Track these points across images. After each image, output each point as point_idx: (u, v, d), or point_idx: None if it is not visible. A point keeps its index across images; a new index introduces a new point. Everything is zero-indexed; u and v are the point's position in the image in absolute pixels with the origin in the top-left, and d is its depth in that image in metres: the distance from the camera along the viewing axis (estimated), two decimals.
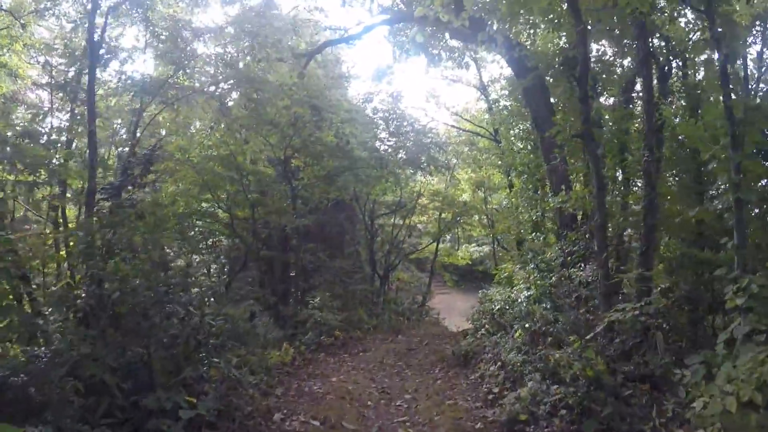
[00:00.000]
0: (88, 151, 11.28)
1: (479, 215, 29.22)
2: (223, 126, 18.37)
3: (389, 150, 23.76)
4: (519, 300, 11.18)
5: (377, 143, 23.51)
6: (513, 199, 25.10)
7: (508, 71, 24.30)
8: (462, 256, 34.70)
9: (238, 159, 17.48)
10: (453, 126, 32.53)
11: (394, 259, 26.39)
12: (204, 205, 18.92)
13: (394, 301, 23.10)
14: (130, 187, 12.67)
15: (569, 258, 12.62)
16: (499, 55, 21.49)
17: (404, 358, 14.29)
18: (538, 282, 11.38)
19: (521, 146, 24.61)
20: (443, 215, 28.21)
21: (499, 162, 25.96)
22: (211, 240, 19.56)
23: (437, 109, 33.06)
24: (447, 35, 21.11)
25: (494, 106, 27.36)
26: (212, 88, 17.11)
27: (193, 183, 17.58)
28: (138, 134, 15.78)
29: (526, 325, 10.08)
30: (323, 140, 18.69)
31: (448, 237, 35.49)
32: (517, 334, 10.35)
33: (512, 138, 25.81)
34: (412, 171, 26.37)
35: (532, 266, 12.57)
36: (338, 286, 18.75)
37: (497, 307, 11.67)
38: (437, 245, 29.15)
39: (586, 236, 12.83)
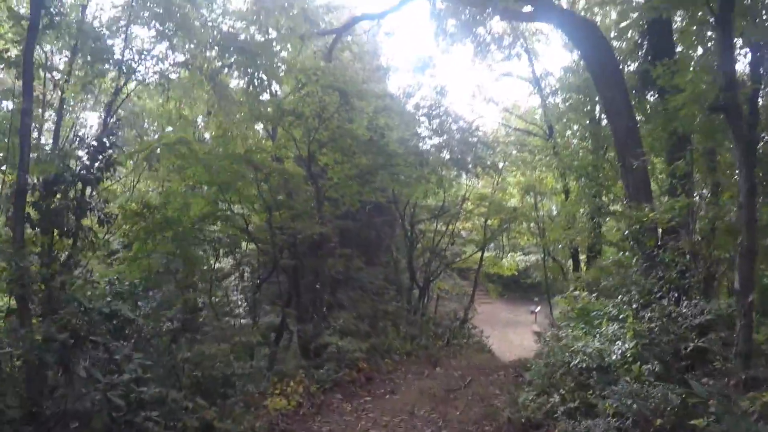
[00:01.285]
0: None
1: (528, 222, 25.23)
2: (221, 112, 14.85)
3: (431, 149, 20.06)
4: (612, 356, 7.28)
5: (419, 142, 19.86)
6: (570, 206, 21.13)
7: (565, 60, 20.47)
8: (508, 266, 30.64)
9: (256, 155, 14.14)
10: (502, 124, 28.46)
11: (435, 269, 22.65)
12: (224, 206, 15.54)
13: (434, 321, 19.28)
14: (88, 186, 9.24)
15: (664, 287, 8.79)
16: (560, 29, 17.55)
17: (441, 405, 10.62)
18: (635, 327, 7.50)
19: (582, 145, 20.74)
20: (489, 222, 24.41)
21: (554, 164, 21.96)
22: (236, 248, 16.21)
23: (485, 104, 29.38)
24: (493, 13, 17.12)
25: (550, 99, 23.36)
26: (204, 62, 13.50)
27: (207, 182, 14.33)
28: (111, 120, 12.35)
29: (629, 403, 6.19)
30: (354, 133, 15.12)
31: (492, 245, 31.60)
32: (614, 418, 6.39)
33: (570, 136, 21.90)
34: (456, 173, 22.64)
35: (624, 298, 8.73)
36: (367, 303, 15.01)
37: (578, 362, 7.73)
38: (482, 254, 25.27)
39: (681, 257, 9.06)
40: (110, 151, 9.40)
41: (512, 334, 31.46)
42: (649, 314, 8.38)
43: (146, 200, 13.19)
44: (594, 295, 9.85)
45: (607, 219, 19.86)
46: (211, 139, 16.60)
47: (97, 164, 9.10)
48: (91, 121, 15.06)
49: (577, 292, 10.46)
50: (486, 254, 27.22)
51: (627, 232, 10.40)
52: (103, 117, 12.42)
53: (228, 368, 8.80)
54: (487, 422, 9.39)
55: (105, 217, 9.55)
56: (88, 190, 9.43)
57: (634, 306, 8.39)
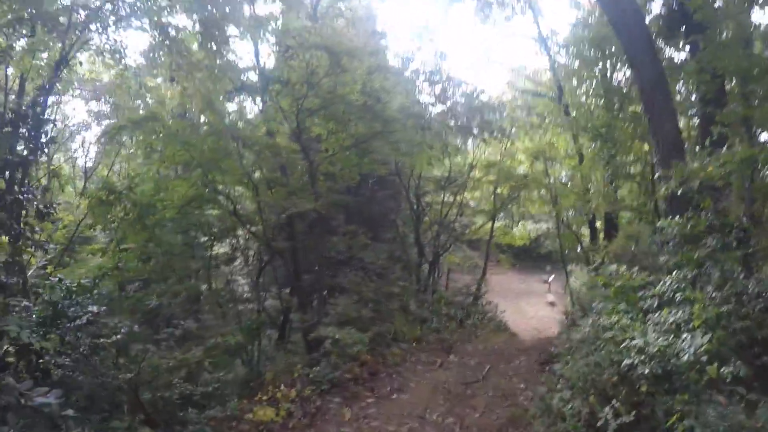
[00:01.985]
0: None
1: (539, 189, 23.17)
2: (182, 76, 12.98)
3: (434, 116, 18.07)
4: (682, 356, 5.25)
5: (420, 109, 17.86)
6: (584, 170, 19.07)
7: (572, 17, 18.45)
8: (519, 235, 28.62)
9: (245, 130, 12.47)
10: (509, 86, 26.06)
11: (444, 242, 20.75)
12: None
13: (445, 300, 17.34)
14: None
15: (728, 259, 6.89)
16: None
17: (458, 405, 8.79)
18: (706, 313, 5.53)
19: (595, 103, 18.64)
20: (499, 190, 22.39)
21: (565, 125, 19.85)
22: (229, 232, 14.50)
23: (490, 67, 27.14)
24: None
25: (558, 57, 21.22)
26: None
27: (189, 163, 12.63)
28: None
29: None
30: (347, 99, 13.20)
31: (502, 215, 29.58)
32: None
33: (582, 94, 19.77)
34: (462, 141, 20.63)
35: (684, 274, 6.74)
36: (371, 285, 13.10)
37: (633, 362, 5.59)
38: (492, 224, 23.29)
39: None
40: (48, 126, 7.51)
41: (526, 304, 29.66)
42: (712, 293, 6.46)
43: (113, 187, 11.31)
44: (634, 269, 7.85)
45: (622, 184, 17.86)
46: (192, 114, 14.70)
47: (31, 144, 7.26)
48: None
49: (611, 266, 8.51)
50: (496, 224, 25.24)
51: (671, 191, 8.35)
52: (44, 87, 10.40)
53: (191, 384, 6.96)
54: (514, 429, 7.55)
55: (45, 209, 7.67)
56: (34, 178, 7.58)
57: (708, 289, 6.41)
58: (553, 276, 33.72)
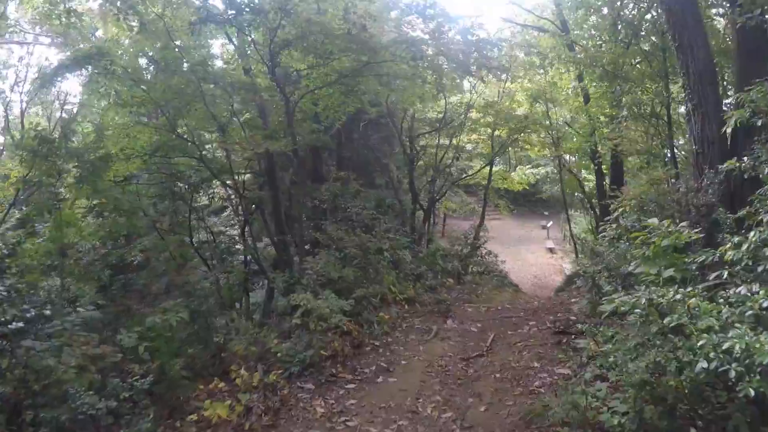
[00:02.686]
0: None
1: (540, 132, 20.97)
2: None
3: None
4: None
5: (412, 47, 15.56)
6: (590, 110, 16.92)
7: None
8: (519, 180, 26.50)
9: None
10: (508, 21, 23.33)
11: (440, 187, 18.77)
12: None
13: (441, 253, 15.24)
14: None
15: None
16: None
17: (458, 390, 7.03)
18: None
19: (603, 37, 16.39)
20: (497, 133, 20.21)
21: (570, 60, 17.50)
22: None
23: None
24: None
25: None
26: None
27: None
28: None
29: None
30: (327, 27, 10.96)
31: (499, 159, 27.31)
32: None
33: (589, 28, 17.47)
34: (458, 79, 18.30)
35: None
36: (354, 240, 10.98)
37: (720, 370, 3.62)
38: (490, 169, 21.19)
39: None
40: None
41: (525, 251, 27.95)
42: None
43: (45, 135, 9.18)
44: (682, 224, 5.83)
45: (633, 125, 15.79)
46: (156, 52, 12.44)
47: None
48: None
49: (652, 219, 6.52)
50: (494, 169, 23.12)
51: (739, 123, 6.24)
52: None
53: (100, 393, 5.00)
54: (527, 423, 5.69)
55: None
56: None
57: None
58: (551, 222, 31.90)
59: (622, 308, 4.71)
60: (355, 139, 18.54)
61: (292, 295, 8.48)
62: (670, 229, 5.63)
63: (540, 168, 30.60)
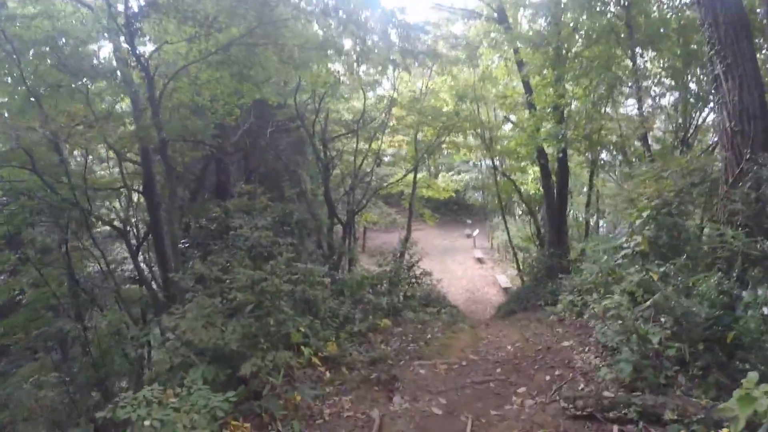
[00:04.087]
0: None
1: (471, 132, 18.24)
2: None
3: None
4: None
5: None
6: (540, 103, 14.27)
7: None
8: (444, 187, 23.72)
9: None
10: (436, 6, 20.07)
11: (360, 198, 15.65)
12: None
13: (369, 279, 11.52)
14: None
15: None
16: None
17: None
18: None
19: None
20: (420, 135, 17.37)
21: (510, 41, 14.73)
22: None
23: None
24: None
25: None
26: None
27: None
28: None
29: None
30: None
31: (421, 165, 24.46)
32: None
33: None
34: (379, 72, 15.21)
35: None
36: (242, 278, 7.07)
37: None
38: (414, 175, 18.24)
39: None
40: None
41: (452, 262, 25.13)
42: None
43: None
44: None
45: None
46: None
47: None
48: None
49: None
50: (418, 176, 20.17)
51: None
52: None
53: None
54: None
55: None
56: None
57: None
58: (477, 230, 29.37)
59: None
60: (262, 146, 15.16)
61: (121, 396, 4.69)
62: None
63: (464, 174, 28.10)
